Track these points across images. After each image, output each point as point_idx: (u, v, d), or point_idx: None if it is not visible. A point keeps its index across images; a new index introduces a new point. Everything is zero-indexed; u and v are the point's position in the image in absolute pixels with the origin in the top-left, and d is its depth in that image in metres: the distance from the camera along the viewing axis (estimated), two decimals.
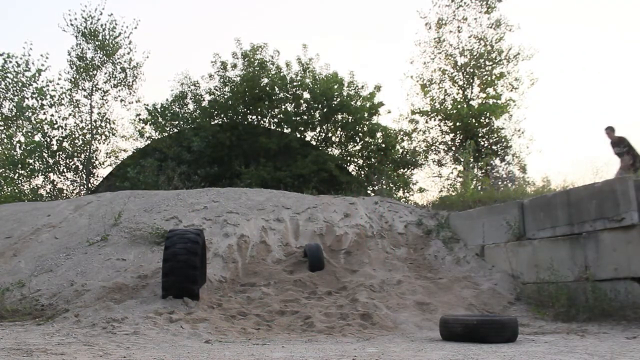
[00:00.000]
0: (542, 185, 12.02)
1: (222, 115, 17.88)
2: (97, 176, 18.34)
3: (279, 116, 18.04)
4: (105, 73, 18.46)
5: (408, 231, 9.27)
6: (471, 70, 18.27)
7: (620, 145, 8.42)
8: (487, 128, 17.81)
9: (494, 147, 17.57)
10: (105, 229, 8.72)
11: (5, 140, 18.13)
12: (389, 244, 8.84)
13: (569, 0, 38.97)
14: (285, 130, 17.81)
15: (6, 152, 17.63)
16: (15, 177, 17.59)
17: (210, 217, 9.25)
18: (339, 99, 17.45)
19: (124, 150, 18.75)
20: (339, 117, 17.82)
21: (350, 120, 17.65)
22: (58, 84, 18.35)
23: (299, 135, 17.94)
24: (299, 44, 33.05)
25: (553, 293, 6.51)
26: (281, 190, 11.90)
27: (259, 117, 18.15)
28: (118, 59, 18.45)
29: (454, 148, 18.03)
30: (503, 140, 17.83)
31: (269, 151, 16.69)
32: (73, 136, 17.89)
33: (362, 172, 17.82)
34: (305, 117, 18.02)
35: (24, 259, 8.05)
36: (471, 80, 18.50)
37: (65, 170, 17.73)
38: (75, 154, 17.82)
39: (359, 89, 18.02)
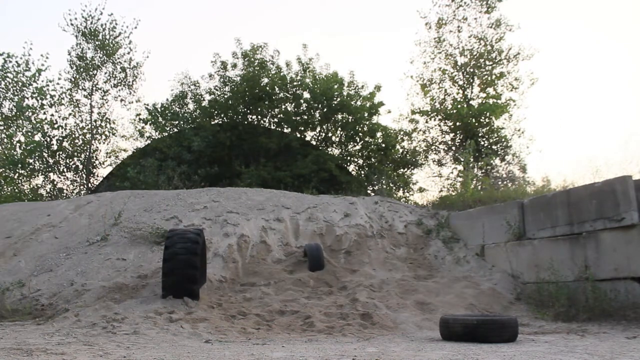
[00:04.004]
0: (542, 185, 12.02)
1: (222, 115, 17.88)
2: (97, 176, 18.35)
3: (279, 116, 18.04)
4: (105, 73, 18.47)
5: (408, 231, 9.27)
6: (471, 70, 18.26)
7: None
8: (487, 128, 17.80)
9: (494, 147, 17.56)
10: (105, 229, 8.72)
11: (5, 140, 18.13)
12: (389, 243, 8.84)
13: (569, 0, 38.96)
14: (285, 130, 17.81)
15: (6, 152, 17.63)
16: (15, 177, 17.59)
17: (210, 217, 9.25)
18: (339, 99, 17.45)
19: (124, 150, 18.76)
20: (339, 117, 17.82)
21: (350, 120, 17.65)
22: (58, 83, 18.37)
23: (299, 135, 17.93)
24: (299, 44, 33.02)
25: (553, 293, 6.50)
26: (281, 190, 11.90)
27: (259, 117, 18.15)
28: (118, 58, 18.45)
29: (454, 148, 18.03)
30: (503, 140, 17.81)
31: (269, 151, 16.69)
32: (73, 136, 17.89)
33: (362, 172, 17.82)
34: (305, 117, 18.01)
35: (24, 259, 8.05)
36: (471, 80, 18.50)
37: (65, 170, 17.73)
38: (75, 153, 17.82)
39: (359, 89, 18.02)
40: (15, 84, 18.17)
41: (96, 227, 8.95)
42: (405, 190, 16.60)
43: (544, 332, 5.57)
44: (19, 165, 17.21)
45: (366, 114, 17.72)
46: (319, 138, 18.44)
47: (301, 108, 17.98)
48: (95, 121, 18.24)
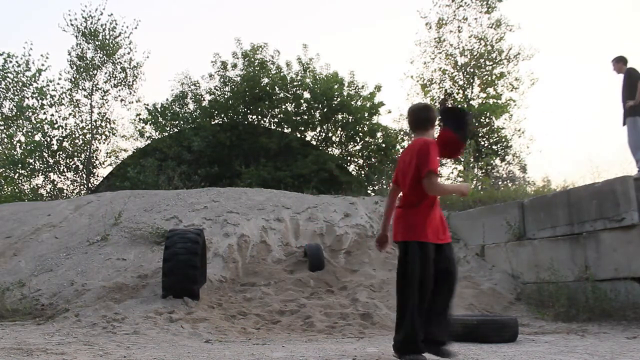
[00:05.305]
0: (542, 185, 12.03)
1: (222, 115, 17.90)
2: (97, 176, 18.38)
3: (279, 116, 18.05)
4: (106, 73, 18.50)
5: None
6: (471, 70, 18.27)
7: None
8: (487, 128, 17.82)
9: (494, 147, 17.57)
10: (105, 229, 8.72)
11: (6, 140, 18.15)
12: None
13: (569, 0, 38.92)
14: (286, 130, 17.84)
15: (6, 152, 17.64)
16: (16, 177, 17.61)
17: (211, 217, 9.25)
18: (339, 99, 17.47)
19: (124, 150, 18.80)
20: (339, 117, 17.83)
21: (350, 120, 17.67)
22: (58, 83, 18.40)
23: (299, 135, 17.95)
24: (299, 44, 33.07)
25: (553, 293, 6.50)
26: (281, 190, 11.91)
27: (259, 117, 18.17)
28: (118, 58, 18.46)
29: None
30: (503, 140, 17.83)
31: (269, 151, 16.70)
32: (73, 136, 17.92)
33: (363, 172, 17.83)
34: (306, 117, 18.03)
35: (24, 259, 8.05)
36: (471, 80, 18.51)
37: (65, 170, 17.75)
38: (76, 153, 17.84)
39: (359, 89, 18.04)
40: (15, 84, 18.20)
41: (96, 227, 8.95)
42: None
43: (544, 332, 5.57)
44: (19, 165, 17.23)
45: (366, 114, 17.74)
46: (319, 138, 18.45)
47: (301, 108, 18.00)
48: (95, 121, 18.28)
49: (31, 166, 17.31)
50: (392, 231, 3.62)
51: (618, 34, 40.29)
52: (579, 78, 38.47)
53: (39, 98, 18.10)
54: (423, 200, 3.47)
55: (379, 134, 17.91)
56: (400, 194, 3.68)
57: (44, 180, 17.73)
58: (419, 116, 3.65)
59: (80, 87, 18.28)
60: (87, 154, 17.92)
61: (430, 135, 3.62)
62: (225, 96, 17.89)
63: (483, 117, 17.58)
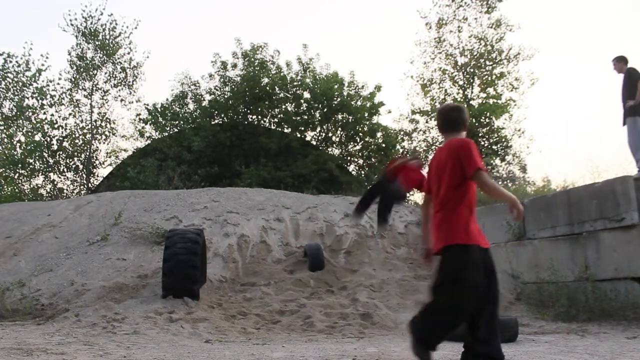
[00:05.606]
0: (542, 185, 12.02)
1: (222, 115, 17.90)
2: (97, 176, 18.38)
3: (279, 116, 18.06)
4: (106, 73, 18.50)
5: (408, 231, 9.27)
6: (471, 70, 18.26)
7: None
8: (487, 128, 17.80)
9: (494, 147, 17.56)
10: (105, 229, 8.73)
11: (6, 140, 18.15)
12: (389, 243, 8.84)
13: (569, 0, 38.92)
14: (286, 130, 17.84)
15: (6, 152, 17.64)
16: (16, 177, 17.61)
17: (211, 216, 9.26)
18: (339, 99, 17.46)
19: (124, 150, 18.80)
20: (339, 117, 17.83)
21: (350, 120, 17.67)
22: (58, 83, 18.40)
23: (299, 135, 17.95)
24: (299, 44, 33.07)
25: (553, 293, 6.50)
26: (281, 190, 11.91)
27: (259, 117, 18.17)
28: (118, 58, 18.46)
29: None
30: (503, 140, 17.81)
31: (269, 151, 16.70)
32: (73, 136, 17.92)
33: (363, 172, 17.82)
34: (306, 117, 18.03)
35: (24, 259, 8.06)
36: (471, 80, 18.49)
37: (65, 170, 17.75)
38: (76, 153, 17.84)
39: (359, 89, 18.04)
40: (15, 84, 18.20)
41: (96, 227, 8.96)
42: None
43: (544, 332, 5.57)
44: (19, 165, 17.23)
45: (366, 114, 17.74)
46: (319, 138, 18.45)
47: (301, 108, 18.00)
48: (95, 121, 18.28)
49: (31, 166, 17.31)
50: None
51: (618, 34, 40.29)
52: (579, 78, 38.47)
53: (39, 98, 18.11)
54: (461, 202, 3.19)
55: (379, 134, 17.91)
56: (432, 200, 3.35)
57: (44, 180, 17.75)
58: (451, 117, 3.42)
59: (80, 87, 18.29)
60: (87, 154, 17.93)
61: (462, 136, 3.37)
62: (225, 96, 17.89)
63: (483, 117, 17.56)
